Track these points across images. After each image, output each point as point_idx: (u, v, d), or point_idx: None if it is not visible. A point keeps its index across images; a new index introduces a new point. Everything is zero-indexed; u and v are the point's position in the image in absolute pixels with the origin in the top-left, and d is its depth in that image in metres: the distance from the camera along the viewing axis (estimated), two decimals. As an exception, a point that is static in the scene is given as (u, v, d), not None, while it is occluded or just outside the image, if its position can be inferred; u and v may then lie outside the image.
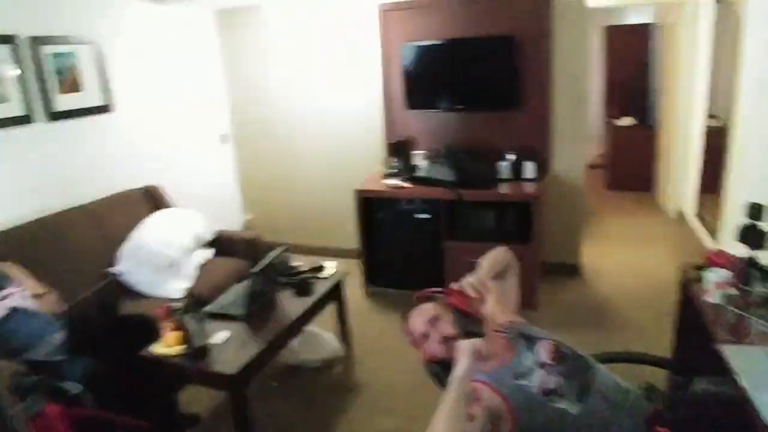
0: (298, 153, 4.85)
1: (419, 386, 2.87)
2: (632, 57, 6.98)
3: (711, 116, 4.49)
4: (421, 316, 1.69)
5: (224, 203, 4.90)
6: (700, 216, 4.72)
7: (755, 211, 1.87)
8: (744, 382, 1.40)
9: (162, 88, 4.14)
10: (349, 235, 4.11)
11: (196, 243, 3.53)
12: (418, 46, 4.02)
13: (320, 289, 3.00)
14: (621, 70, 7.16)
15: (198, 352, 2.30)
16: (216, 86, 4.79)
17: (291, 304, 2.84)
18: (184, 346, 2.31)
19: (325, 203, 4.85)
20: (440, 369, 1.69)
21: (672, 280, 4.00)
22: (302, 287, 2.94)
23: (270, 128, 4.88)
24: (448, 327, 1.63)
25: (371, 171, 4.35)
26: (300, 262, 3.23)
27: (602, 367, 1.63)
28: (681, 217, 5.32)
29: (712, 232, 4.26)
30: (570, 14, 3.72)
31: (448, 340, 1.59)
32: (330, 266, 3.23)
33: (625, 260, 4.50)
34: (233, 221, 4.94)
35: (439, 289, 1.80)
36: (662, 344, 2.74)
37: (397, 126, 4.37)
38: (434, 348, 1.64)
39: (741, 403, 1.50)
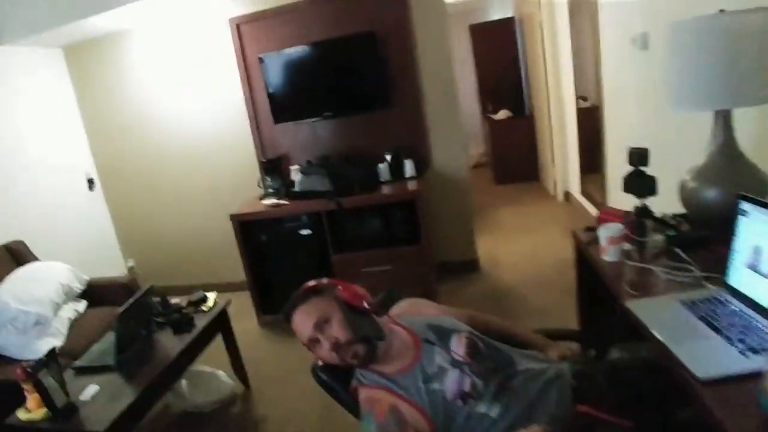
0: (172, 188, 4.44)
1: (327, 407, 2.59)
2: (500, 52, 7.12)
3: (580, 98, 4.57)
4: (308, 318, 1.38)
5: (102, 252, 4.55)
6: (586, 193, 4.77)
7: (639, 156, 1.73)
8: (660, 336, 1.19)
9: (14, 136, 3.82)
10: (238, 266, 3.74)
11: (64, 297, 3.25)
12: (277, 56, 3.74)
13: (201, 322, 2.70)
14: (491, 66, 7.30)
15: (64, 413, 2.05)
16: (74, 128, 4.43)
17: (169, 344, 2.56)
18: (45, 410, 2.06)
19: (207, 236, 4.45)
20: (327, 375, 1.50)
21: (568, 258, 3.98)
22: (180, 324, 2.65)
23: (140, 165, 4.47)
24: (339, 330, 1.35)
25: (249, 194, 4.04)
26: (178, 299, 2.92)
27: (518, 352, 1.46)
28: (569, 198, 5.40)
29: (600, 205, 4.28)
30: (427, 9, 3.63)
31: (340, 347, 1.34)
32: (211, 297, 2.94)
33: (521, 248, 4.43)
34: (115, 270, 4.55)
35: (325, 279, 1.49)
36: (570, 322, 2.60)
37: (268, 143, 4.08)
38: (325, 355, 1.38)
39: (659, 362, 1.32)
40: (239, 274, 3.82)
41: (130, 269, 4.75)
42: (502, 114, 6.76)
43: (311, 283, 1.47)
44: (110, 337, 2.57)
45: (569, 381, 1.38)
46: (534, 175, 6.54)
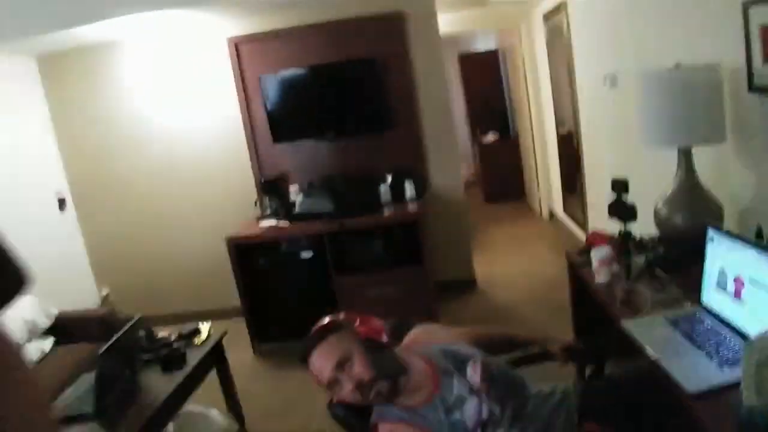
0: (159, 209, 4.27)
1: None
2: (486, 80, 7.54)
3: (560, 124, 4.88)
4: (327, 359, 1.34)
5: (72, 279, 4.18)
6: (569, 212, 5.04)
7: (619, 185, 1.98)
8: (653, 353, 1.42)
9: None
10: (232, 292, 3.63)
11: (28, 334, 3.00)
12: (278, 77, 3.88)
13: (194, 358, 2.47)
14: (478, 93, 7.68)
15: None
16: (45, 143, 4.16)
17: (158, 384, 2.30)
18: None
19: (199, 261, 4.27)
20: (345, 411, 1.49)
21: (557, 275, 4.20)
22: (170, 360, 2.40)
23: (119, 185, 4.26)
24: (361, 370, 1.32)
25: (245, 216, 3.99)
26: (167, 332, 2.70)
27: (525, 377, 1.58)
28: (553, 216, 5.67)
29: (581, 224, 4.56)
30: (424, 37, 3.86)
31: (363, 387, 1.32)
32: (204, 328, 2.71)
33: (514, 266, 4.66)
34: (87, 299, 4.22)
35: (341, 315, 1.49)
36: (566, 336, 2.80)
37: (267, 163, 4.11)
38: (347, 396, 1.35)
39: (655, 376, 1.51)
40: (231, 300, 3.74)
41: (104, 298, 4.39)
42: (490, 137, 7.08)
43: (326, 319, 1.46)
44: (87, 380, 2.27)
45: (574, 400, 1.54)
46: (521, 194, 6.84)
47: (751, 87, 1.71)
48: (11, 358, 0.68)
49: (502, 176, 6.92)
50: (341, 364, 1.33)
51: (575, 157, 4.33)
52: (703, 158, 1.97)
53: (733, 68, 1.81)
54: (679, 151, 1.90)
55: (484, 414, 1.36)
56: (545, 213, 5.85)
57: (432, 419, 1.34)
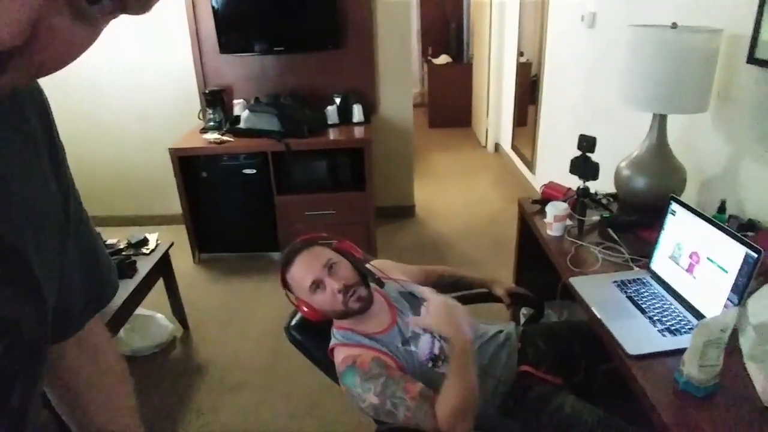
0: (100, 117, 4.04)
1: (271, 354, 2.70)
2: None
3: (520, 53, 4.76)
4: (316, 259, 1.43)
5: None
6: (515, 147, 5.07)
7: (587, 143, 1.94)
8: (598, 313, 1.45)
9: None
10: (173, 199, 3.62)
11: None
12: None
13: (144, 267, 2.58)
14: (435, 10, 7.29)
15: None
16: None
17: None
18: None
19: (140, 167, 4.16)
20: (302, 335, 1.57)
21: (498, 210, 4.30)
22: (121, 269, 2.49)
23: (62, 92, 3.88)
24: (347, 273, 1.44)
25: (189, 126, 3.85)
26: (116, 239, 2.76)
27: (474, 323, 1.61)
28: (499, 149, 5.70)
29: (527, 162, 4.60)
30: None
31: (348, 288, 1.41)
32: (152, 238, 2.81)
33: (454, 196, 4.69)
34: None
35: (324, 233, 1.57)
36: (502, 271, 2.89)
37: (212, 74, 3.87)
38: (327, 300, 1.42)
39: (586, 326, 1.61)
40: (173, 207, 3.76)
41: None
42: (442, 59, 6.85)
43: (308, 234, 1.55)
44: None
45: (515, 343, 1.63)
46: (467, 122, 6.79)
47: (751, 59, 1.66)
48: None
49: (451, 101, 6.80)
50: (327, 266, 1.42)
51: (533, 88, 4.27)
52: (676, 122, 1.95)
53: (734, 34, 1.75)
54: (654, 116, 1.87)
55: (436, 350, 1.45)
56: (491, 145, 5.86)
57: (390, 345, 1.44)
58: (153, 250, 2.73)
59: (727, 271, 1.32)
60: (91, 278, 0.67)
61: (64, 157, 0.60)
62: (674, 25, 1.72)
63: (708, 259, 1.39)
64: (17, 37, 0.31)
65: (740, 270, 1.28)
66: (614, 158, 2.04)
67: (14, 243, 0.48)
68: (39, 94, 0.57)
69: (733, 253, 1.30)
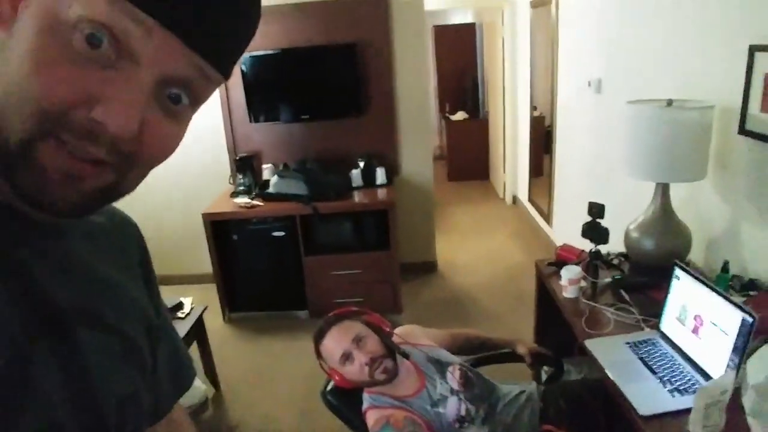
0: None
1: (300, 414, 2.78)
2: (460, 55, 7.48)
3: (534, 107, 4.97)
4: (346, 333, 1.57)
5: None
6: (532, 200, 5.21)
7: (595, 209, 2.09)
8: (612, 375, 1.56)
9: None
10: (202, 259, 3.81)
11: None
12: (256, 56, 3.82)
13: (180, 331, 2.58)
14: (451, 68, 7.63)
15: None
16: None
17: None
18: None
19: (172, 229, 4.36)
20: (337, 399, 1.69)
21: (518, 264, 4.41)
22: None
23: None
24: (375, 347, 1.56)
25: (219, 190, 4.07)
26: None
27: (497, 384, 1.74)
28: (516, 202, 5.84)
29: (544, 215, 4.73)
30: (408, 18, 3.82)
31: (374, 362, 1.53)
32: (187, 302, 2.90)
33: (474, 251, 4.80)
34: None
35: (354, 307, 1.72)
36: (522, 326, 2.97)
37: (242, 140, 4.13)
38: (355, 371, 1.55)
39: (603, 384, 1.68)
40: (203, 266, 3.90)
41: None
42: (459, 115, 7.13)
43: (340, 309, 1.69)
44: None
45: (537, 403, 1.74)
46: (485, 175, 6.97)
47: (742, 130, 1.82)
48: None
49: (468, 155, 7.02)
50: (357, 341, 1.55)
51: (547, 139, 4.42)
52: (680, 186, 2.09)
53: (725, 107, 1.91)
54: (657, 183, 2.02)
55: (462, 411, 1.58)
56: (509, 197, 6.01)
57: (420, 408, 1.56)
58: (188, 314, 2.81)
59: (727, 334, 1.43)
60: (176, 365, 0.80)
61: (156, 284, 0.74)
62: (670, 102, 1.89)
63: (711, 322, 1.50)
64: (135, 131, 0.40)
65: (738, 333, 1.39)
66: (626, 217, 2.17)
67: (130, 330, 0.61)
68: (135, 228, 0.72)
69: (731, 317, 1.41)
